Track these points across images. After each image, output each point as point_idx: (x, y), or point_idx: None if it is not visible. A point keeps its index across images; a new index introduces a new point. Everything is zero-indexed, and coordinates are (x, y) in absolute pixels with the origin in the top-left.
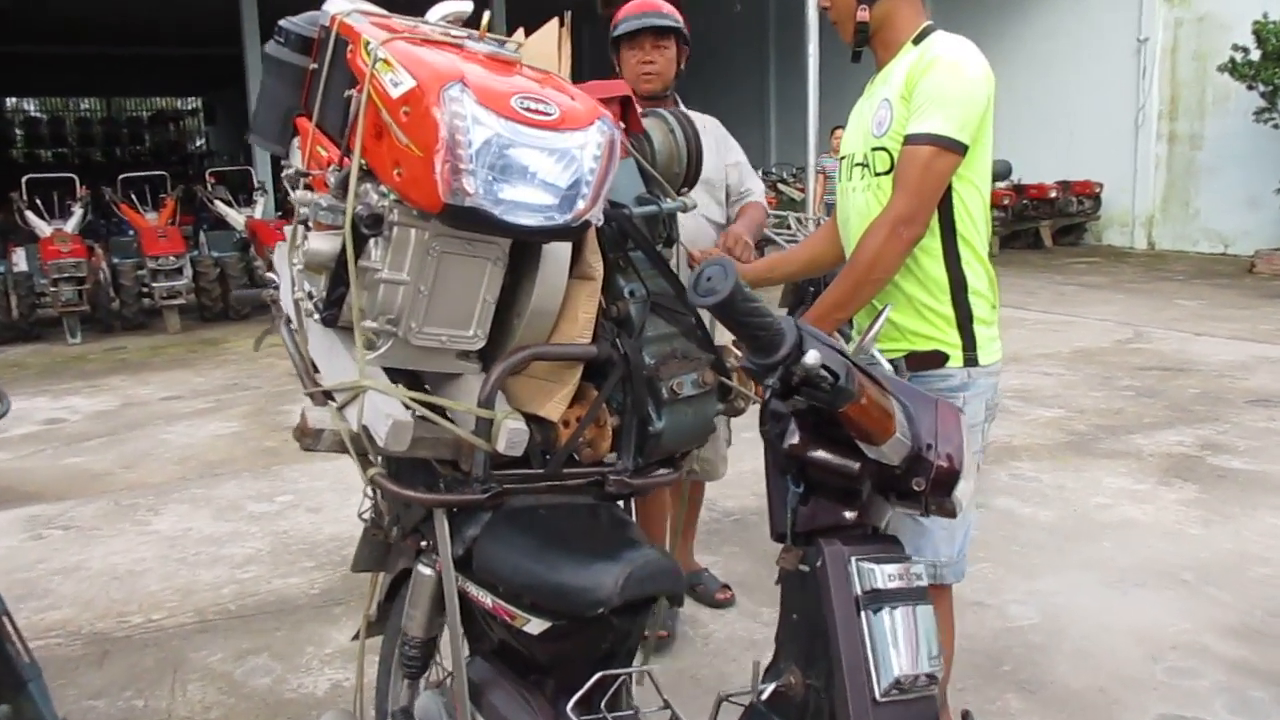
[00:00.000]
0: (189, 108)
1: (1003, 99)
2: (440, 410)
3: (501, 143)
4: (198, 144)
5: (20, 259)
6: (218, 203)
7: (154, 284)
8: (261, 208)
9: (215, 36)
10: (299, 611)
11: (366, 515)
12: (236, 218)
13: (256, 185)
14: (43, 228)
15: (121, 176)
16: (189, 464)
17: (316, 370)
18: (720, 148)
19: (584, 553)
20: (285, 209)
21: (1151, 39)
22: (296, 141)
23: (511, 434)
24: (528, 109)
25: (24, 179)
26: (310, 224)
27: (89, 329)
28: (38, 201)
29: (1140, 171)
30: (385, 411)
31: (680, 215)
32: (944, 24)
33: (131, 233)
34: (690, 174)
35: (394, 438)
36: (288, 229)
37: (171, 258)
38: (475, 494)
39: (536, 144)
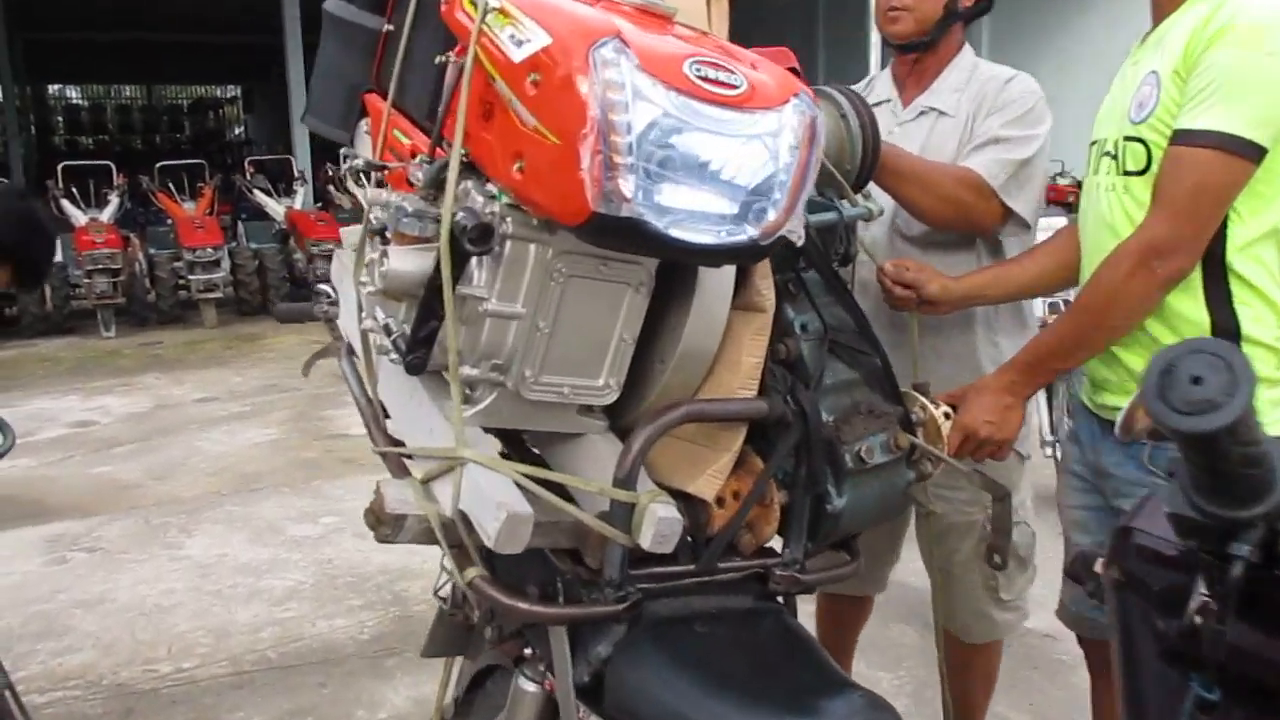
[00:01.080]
0: (228, 96)
1: (1061, 95)
2: (557, 486)
3: (669, 126)
4: (236, 132)
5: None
6: (257, 192)
7: (191, 276)
8: (301, 198)
9: (254, 24)
10: (347, 662)
11: (443, 593)
12: (276, 208)
13: (297, 175)
14: (78, 216)
15: (159, 165)
16: (224, 476)
17: (387, 416)
18: (978, 116)
19: (768, 695)
20: (326, 200)
21: None
22: (364, 126)
23: (661, 525)
24: (706, 79)
25: (60, 166)
26: (388, 234)
27: (123, 322)
28: (74, 190)
29: None
30: (496, 499)
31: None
32: (1000, 15)
33: (169, 223)
34: (864, 172)
35: (509, 536)
36: (346, 232)
37: (209, 249)
38: (608, 604)
39: (718, 128)
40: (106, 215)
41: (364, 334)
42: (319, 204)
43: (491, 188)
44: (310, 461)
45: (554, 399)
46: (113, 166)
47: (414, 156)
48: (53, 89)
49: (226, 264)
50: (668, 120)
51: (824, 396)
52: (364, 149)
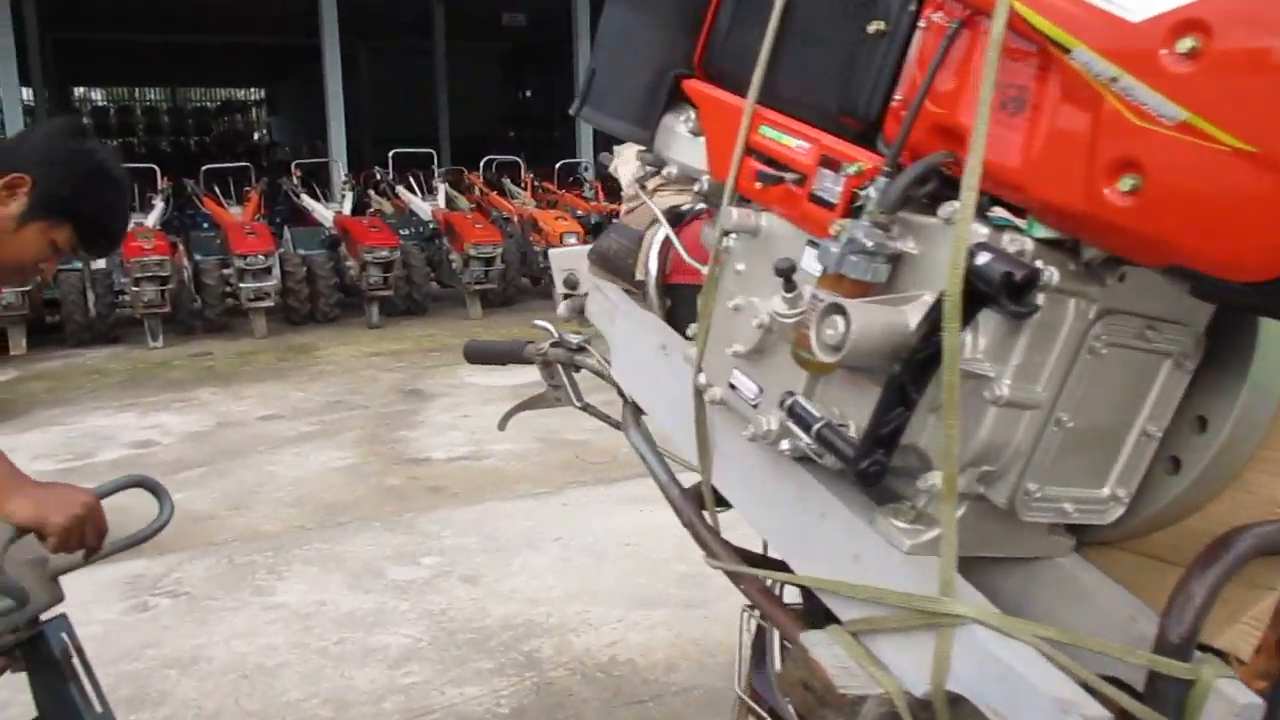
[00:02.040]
0: (254, 99)
1: None
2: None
3: None
4: (259, 135)
5: None
6: (304, 197)
7: (241, 284)
8: (350, 203)
9: (279, 25)
10: None
11: None
12: (325, 213)
13: (344, 179)
14: None
15: (205, 168)
16: (305, 506)
17: (722, 506)
18: None
19: None
20: (365, 205)
21: None
22: (683, 122)
23: (1242, 715)
24: None
25: None
26: (794, 278)
27: (169, 330)
28: None
29: None
30: (1047, 691)
31: None
32: None
33: (206, 227)
34: None
35: None
36: (559, 254)
37: (261, 256)
38: None
39: None
40: (152, 220)
41: (704, 405)
42: (373, 210)
43: (1002, 213)
44: (395, 490)
45: (1052, 519)
46: (157, 170)
47: (831, 166)
48: (78, 91)
49: (278, 271)
50: None
51: None
52: (680, 151)
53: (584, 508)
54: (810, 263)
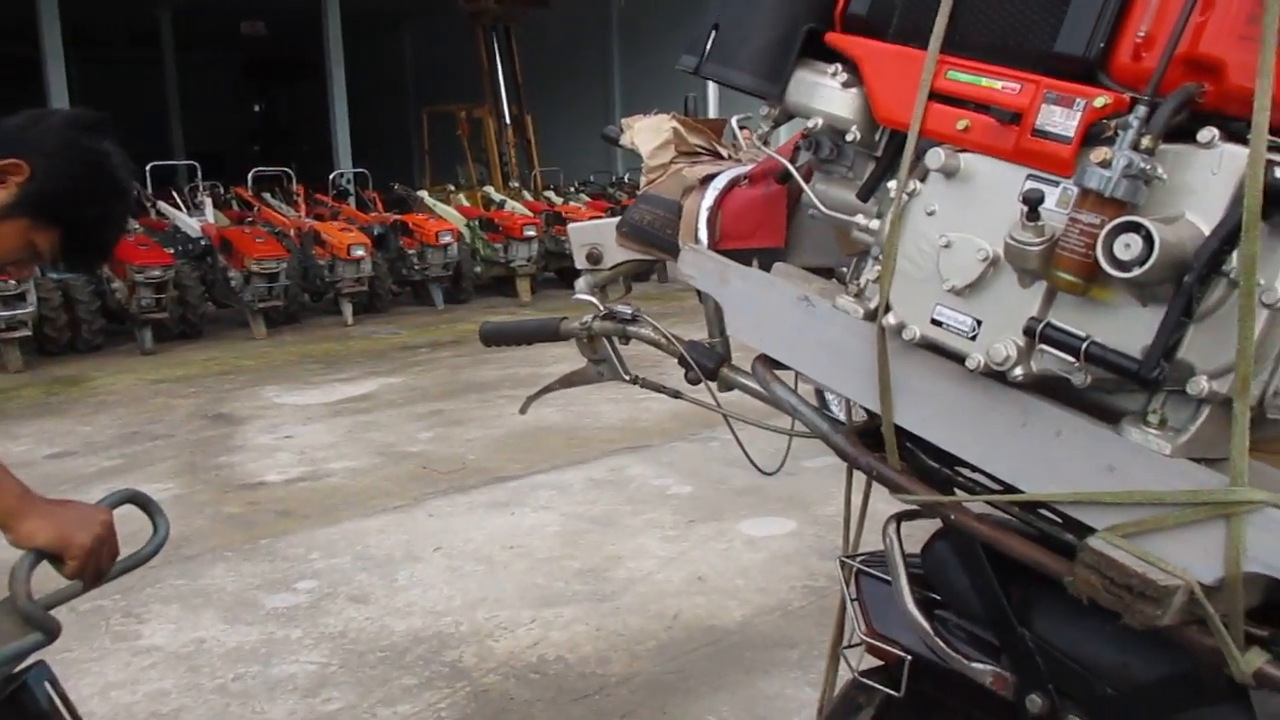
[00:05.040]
0: None
1: None
2: None
3: None
4: None
5: None
6: None
7: None
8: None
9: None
10: None
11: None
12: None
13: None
14: None
15: None
16: (138, 543)
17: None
18: None
19: None
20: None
21: None
22: (829, 75)
23: None
24: None
25: None
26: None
27: None
28: None
29: None
30: None
31: None
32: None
33: None
34: None
35: None
36: (578, 229)
37: (12, 282)
38: None
39: None
40: None
41: (885, 347)
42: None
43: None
44: (238, 518)
45: None
46: None
47: (1062, 103)
48: None
49: (33, 298)
50: None
51: None
52: (826, 103)
53: (451, 516)
54: (1051, 192)
